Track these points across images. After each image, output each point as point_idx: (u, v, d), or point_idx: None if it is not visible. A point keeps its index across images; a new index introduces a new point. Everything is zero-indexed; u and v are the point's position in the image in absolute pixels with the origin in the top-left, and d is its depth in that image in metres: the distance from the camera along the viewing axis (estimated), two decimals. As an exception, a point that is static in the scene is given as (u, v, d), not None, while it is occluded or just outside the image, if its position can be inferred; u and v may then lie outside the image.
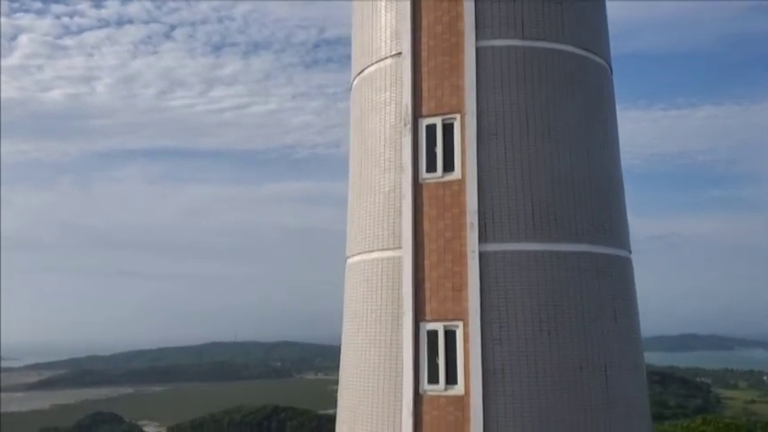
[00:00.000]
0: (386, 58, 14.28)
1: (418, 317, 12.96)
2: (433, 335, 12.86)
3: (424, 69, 13.71)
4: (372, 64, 14.59)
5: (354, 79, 15.39)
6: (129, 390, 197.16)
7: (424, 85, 13.65)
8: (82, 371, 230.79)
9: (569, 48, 13.71)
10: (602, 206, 13.62)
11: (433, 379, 12.70)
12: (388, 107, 14.08)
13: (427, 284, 13.01)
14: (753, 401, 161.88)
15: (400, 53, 13.96)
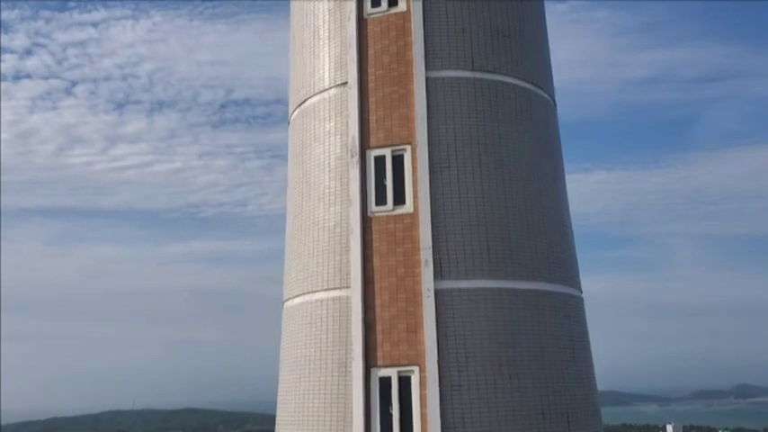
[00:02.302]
0: (330, 88, 13.54)
1: (369, 362, 11.90)
2: (386, 382, 11.80)
3: (372, 99, 13.04)
4: (315, 94, 13.81)
5: (294, 111, 14.53)
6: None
7: (372, 116, 12.96)
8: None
9: (519, 82, 13.40)
10: (556, 243, 13.14)
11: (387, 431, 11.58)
12: (332, 138, 13.27)
13: (379, 326, 12.01)
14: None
15: (345, 83, 13.26)
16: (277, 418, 13.58)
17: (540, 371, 11.98)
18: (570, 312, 12.92)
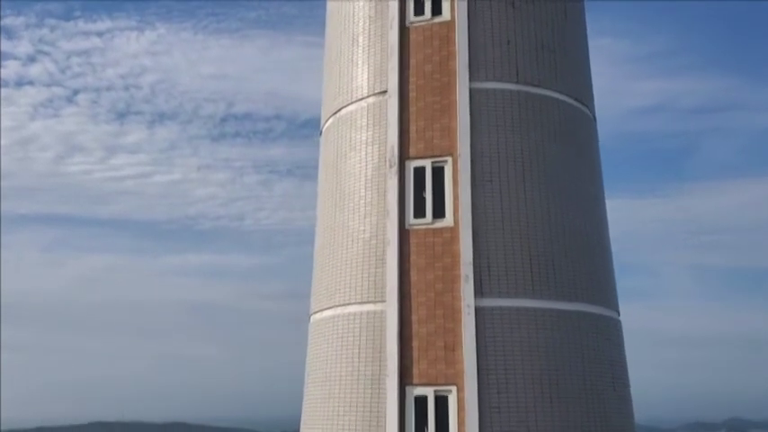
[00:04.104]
0: (368, 96, 13.19)
1: (404, 380, 11.43)
2: (421, 401, 11.33)
3: (412, 109, 12.69)
4: (352, 102, 13.45)
5: (328, 119, 14.17)
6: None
7: (412, 126, 12.60)
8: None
9: (564, 97, 13.07)
10: (597, 264, 12.74)
11: (422, 452, 11.09)
12: (370, 147, 12.90)
13: (415, 343, 11.56)
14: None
15: (385, 91, 12.92)
16: (301, 434, 13.08)
17: (582, 395, 11.52)
18: (610, 335, 12.49)
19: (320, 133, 14.76)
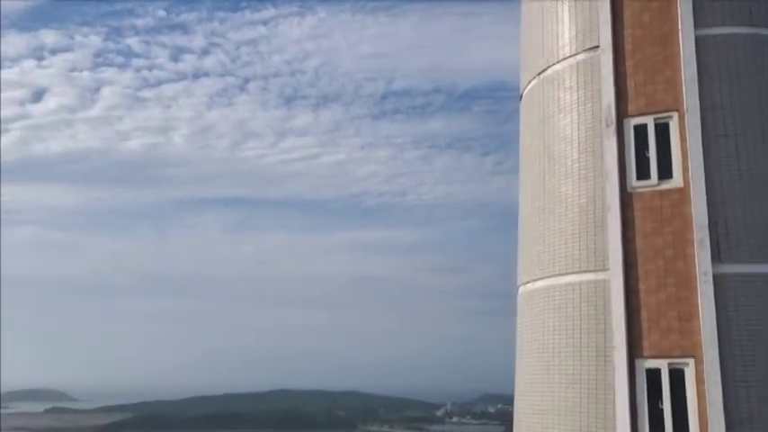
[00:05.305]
0: (577, 53, 12.45)
1: (633, 352, 10.77)
2: (653, 374, 10.62)
3: (629, 63, 11.81)
4: (558, 62, 12.78)
5: (530, 82, 13.59)
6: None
7: (630, 81, 11.74)
8: (149, 415, 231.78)
9: (804, 38, 11.59)
10: None
11: (657, 429, 10.41)
12: (581, 108, 12.19)
13: (644, 313, 10.83)
14: None
15: (597, 47, 12.12)
16: (517, 406, 12.81)
17: (843, 371, 10.26)
18: None
19: (520, 97, 14.23)
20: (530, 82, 13.63)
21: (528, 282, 12.86)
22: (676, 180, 11.07)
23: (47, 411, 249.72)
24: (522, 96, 14.09)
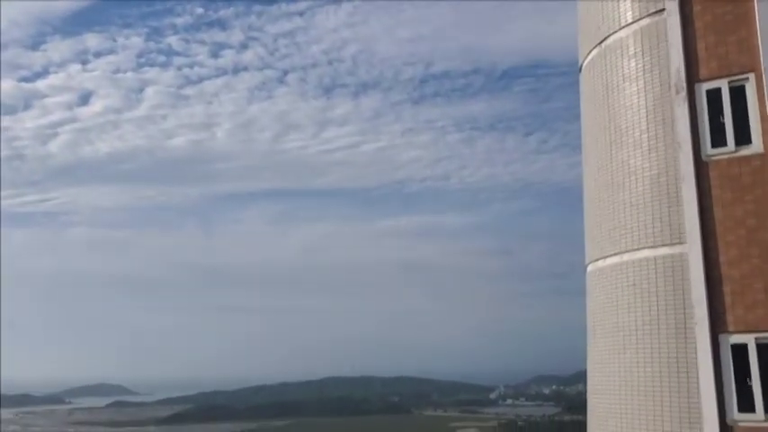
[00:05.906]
0: (641, 18, 11.91)
1: (716, 328, 10.28)
2: (739, 350, 10.13)
3: (698, 25, 11.23)
4: (620, 29, 12.26)
5: (590, 53, 13.09)
6: (252, 425, 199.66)
7: (700, 44, 11.16)
8: (209, 406, 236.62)
9: None
10: None
11: (746, 406, 9.93)
12: (647, 75, 11.67)
13: (727, 287, 10.33)
14: None
15: (662, 10, 11.57)
16: (590, 385, 12.44)
17: None
18: None
19: (579, 69, 13.73)
20: (590, 52, 13.12)
21: (598, 259, 12.42)
22: (756, 145, 10.49)
23: (108, 406, 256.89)
24: (581, 68, 13.59)
